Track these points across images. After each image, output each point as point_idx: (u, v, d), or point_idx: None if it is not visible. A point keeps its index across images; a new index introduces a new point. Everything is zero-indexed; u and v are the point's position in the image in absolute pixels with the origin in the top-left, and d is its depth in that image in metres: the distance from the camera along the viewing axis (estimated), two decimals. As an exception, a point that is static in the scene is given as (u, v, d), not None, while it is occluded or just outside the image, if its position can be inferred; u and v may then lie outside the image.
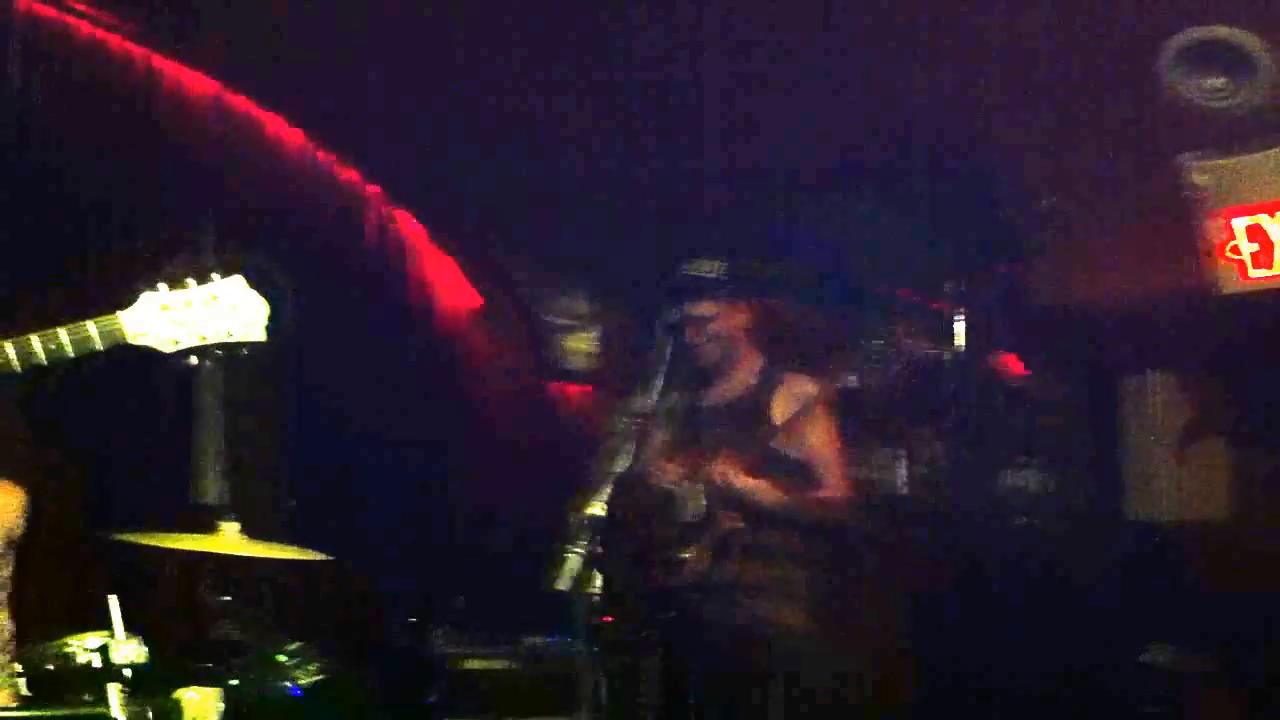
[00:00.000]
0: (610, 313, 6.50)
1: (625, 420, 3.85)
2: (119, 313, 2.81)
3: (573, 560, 3.38)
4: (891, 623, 5.13)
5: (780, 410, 4.23)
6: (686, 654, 4.07)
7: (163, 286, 2.83)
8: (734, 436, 4.21)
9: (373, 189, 5.98)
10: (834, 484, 4.21)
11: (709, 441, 4.24)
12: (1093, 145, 4.98)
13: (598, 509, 3.48)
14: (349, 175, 5.91)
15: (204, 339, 2.84)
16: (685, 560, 4.15)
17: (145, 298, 2.83)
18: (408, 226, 6.14)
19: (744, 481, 4.10)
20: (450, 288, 6.33)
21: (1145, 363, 5.52)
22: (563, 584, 3.36)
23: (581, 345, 6.59)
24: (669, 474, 4.21)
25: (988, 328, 5.35)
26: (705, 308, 4.27)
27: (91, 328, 2.81)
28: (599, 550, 3.44)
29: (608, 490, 3.55)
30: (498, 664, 4.75)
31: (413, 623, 4.98)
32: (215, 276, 2.84)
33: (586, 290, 6.57)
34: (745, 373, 4.35)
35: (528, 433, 6.29)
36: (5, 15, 4.72)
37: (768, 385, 4.30)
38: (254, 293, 2.86)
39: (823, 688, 4.20)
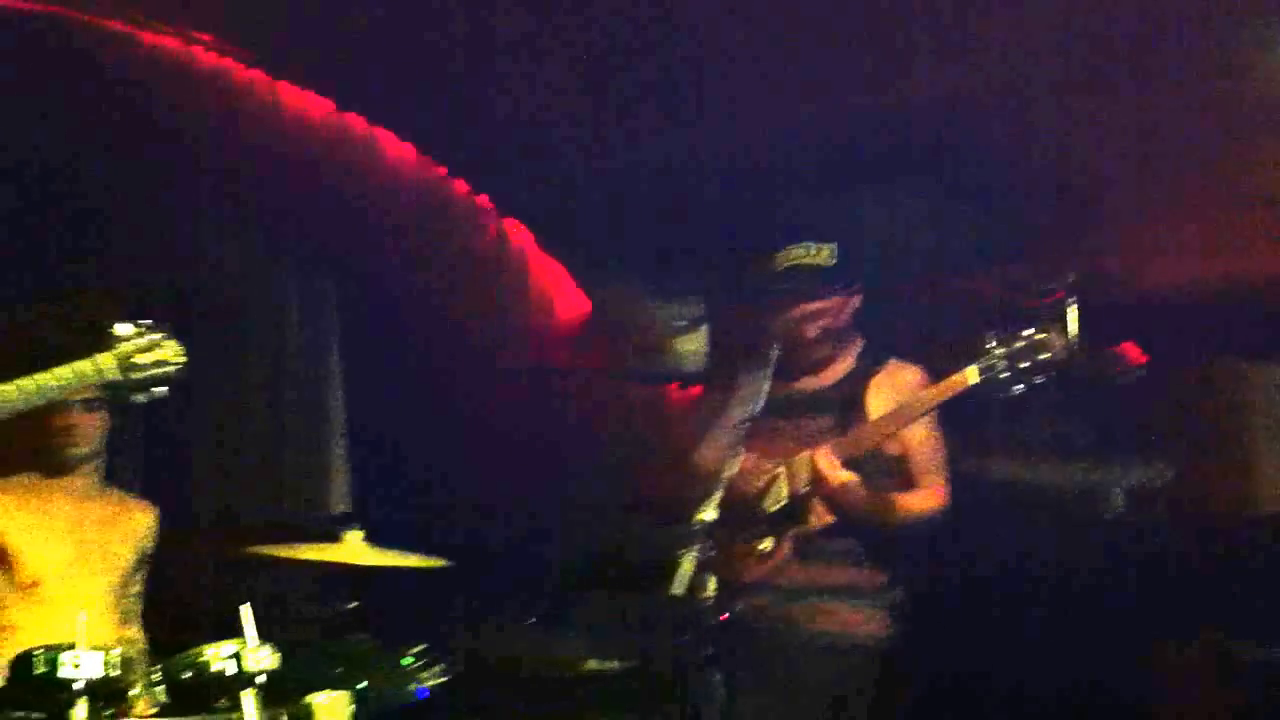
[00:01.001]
0: (718, 311, 6.51)
1: (734, 423, 3.83)
2: (103, 354, 3.13)
3: (686, 564, 3.38)
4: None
5: (878, 401, 3.98)
6: (752, 653, 3.82)
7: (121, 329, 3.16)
8: (827, 427, 3.96)
9: (482, 200, 6.09)
10: (931, 485, 3.95)
11: (800, 432, 4.00)
12: (1202, 125, 4.89)
13: (710, 513, 3.47)
14: (461, 187, 6.03)
15: (148, 374, 3.24)
16: (761, 553, 3.95)
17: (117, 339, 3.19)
18: (518, 234, 6.24)
19: (831, 474, 3.82)
20: (562, 294, 6.41)
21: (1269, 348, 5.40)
22: (677, 588, 3.36)
23: (692, 346, 6.61)
24: (755, 464, 3.95)
25: (1104, 315, 5.25)
26: (816, 305, 4.01)
27: (85, 366, 3.11)
28: (712, 554, 3.43)
29: (719, 494, 3.54)
30: (617, 664, 4.80)
31: (533, 624, 5.05)
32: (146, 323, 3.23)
33: (696, 290, 6.59)
34: (845, 361, 4.10)
35: (643, 435, 6.33)
36: (132, 50, 4.94)
37: (866, 374, 4.05)
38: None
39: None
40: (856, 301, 4.12)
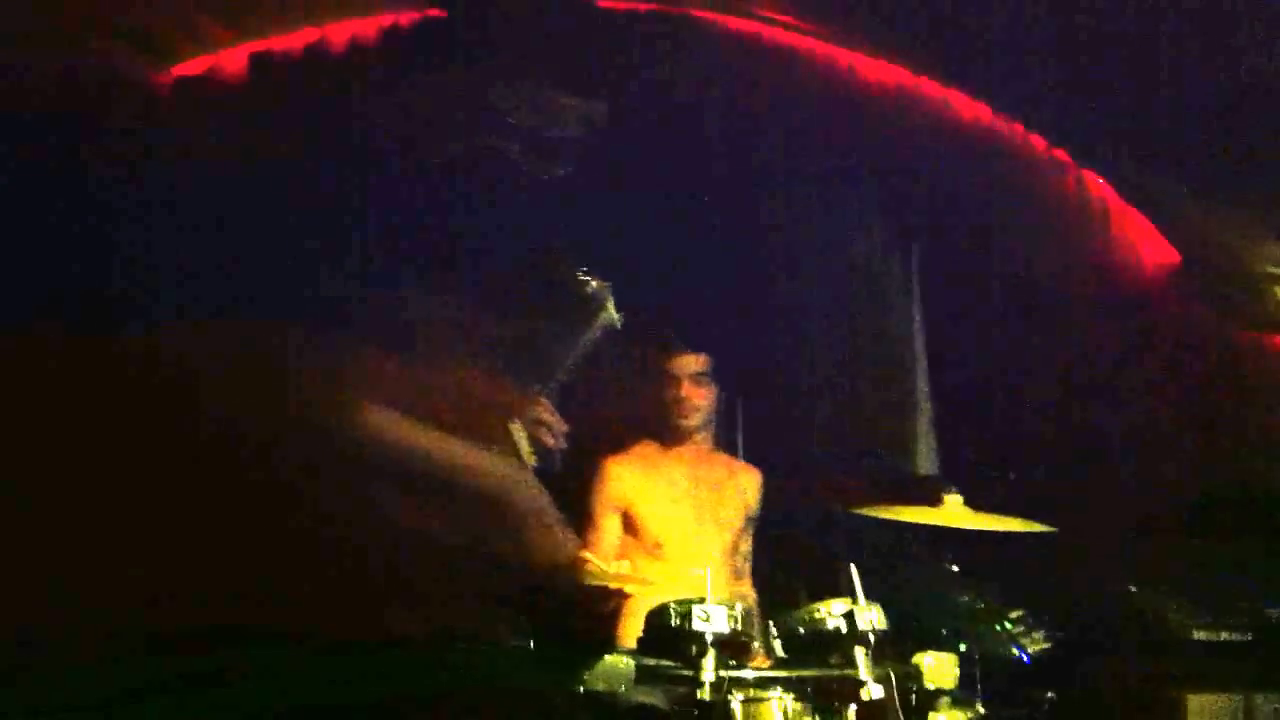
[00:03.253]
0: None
1: None
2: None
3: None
4: None
5: None
6: None
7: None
8: None
9: (1059, 153, 5.93)
10: None
11: None
12: None
13: None
14: (1036, 142, 5.90)
15: None
16: None
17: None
18: (1098, 187, 6.03)
19: None
20: (1147, 244, 6.14)
21: None
22: None
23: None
24: None
25: None
26: None
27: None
28: None
29: None
30: (1231, 635, 4.56)
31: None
32: None
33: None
34: None
35: (1239, 389, 5.95)
36: (708, 34, 5.22)
37: None
38: None
39: None
40: None
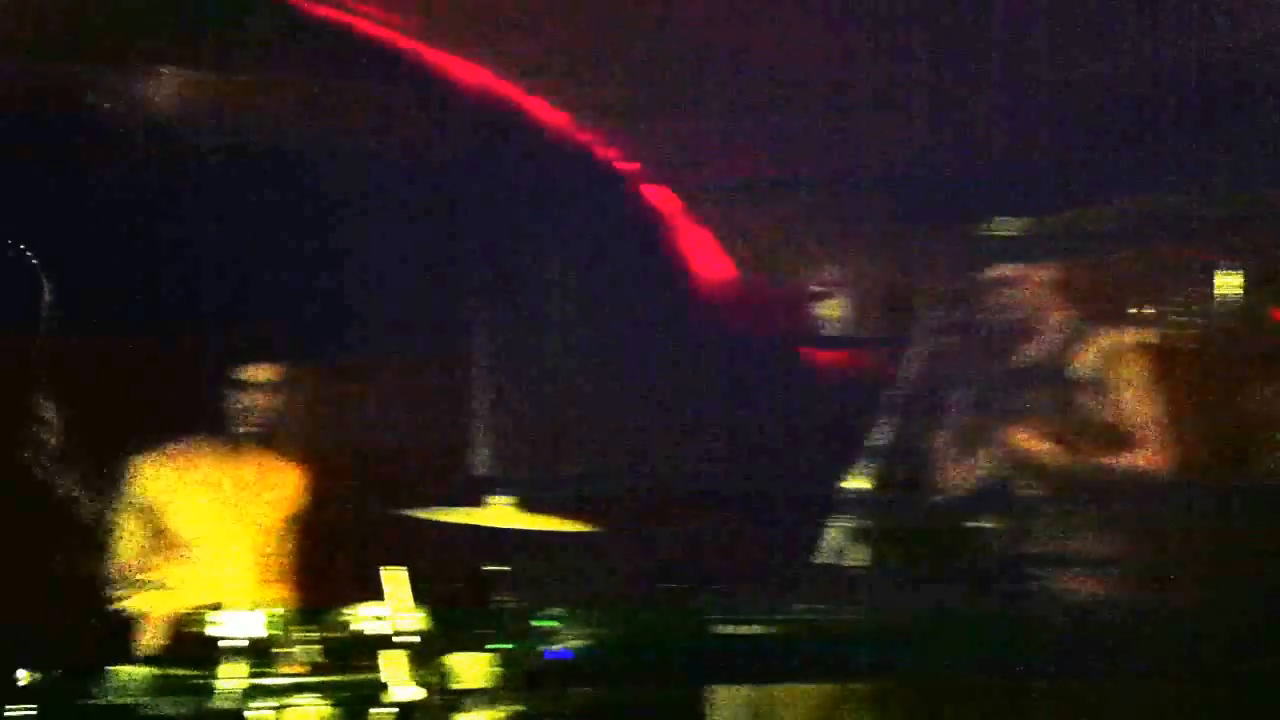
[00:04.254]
0: (871, 276, 6.44)
1: (890, 391, 3.78)
2: None
3: (836, 533, 3.36)
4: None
5: (1086, 369, 3.95)
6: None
7: None
8: (1033, 400, 3.98)
9: (631, 166, 6.13)
10: (1148, 449, 3.88)
11: (1006, 408, 4.00)
12: None
13: (864, 482, 3.44)
14: (607, 154, 6.08)
15: None
16: (977, 532, 3.92)
17: None
18: (662, 201, 6.27)
19: (1040, 448, 3.85)
20: (705, 259, 6.42)
21: None
22: (827, 557, 3.35)
23: (838, 311, 6.55)
24: (957, 444, 4.01)
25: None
26: (1007, 270, 4.05)
27: None
28: (867, 523, 3.41)
29: (875, 462, 3.50)
30: (759, 630, 4.81)
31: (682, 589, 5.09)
32: None
33: (842, 255, 6.53)
34: (1048, 332, 4.08)
35: (784, 400, 6.32)
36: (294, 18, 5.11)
37: (1072, 343, 4.02)
38: None
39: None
40: (1053, 275, 4.06)
